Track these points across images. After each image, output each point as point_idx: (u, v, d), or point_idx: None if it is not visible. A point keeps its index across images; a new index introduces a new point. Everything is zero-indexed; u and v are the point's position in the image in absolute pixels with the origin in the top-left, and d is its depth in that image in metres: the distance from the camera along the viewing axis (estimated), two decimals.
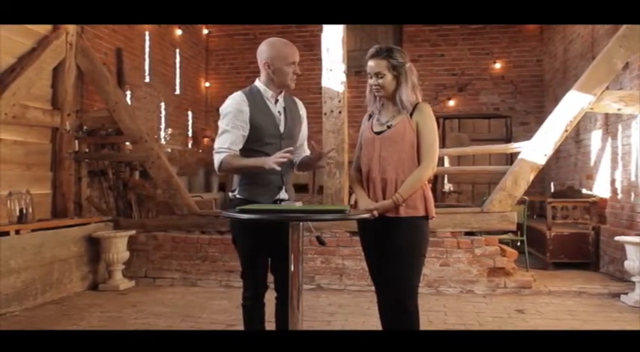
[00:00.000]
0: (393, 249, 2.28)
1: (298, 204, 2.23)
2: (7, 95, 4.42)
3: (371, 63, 2.34)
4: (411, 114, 2.32)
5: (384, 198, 2.30)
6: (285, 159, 2.17)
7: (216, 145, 2.36)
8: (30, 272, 4.17)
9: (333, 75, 4.72)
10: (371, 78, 2.36)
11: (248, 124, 2.34)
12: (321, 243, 2.35)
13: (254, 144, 2.36)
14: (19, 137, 4.76)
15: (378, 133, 2.36)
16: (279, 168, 2.20)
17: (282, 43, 2.41)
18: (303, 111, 2.57)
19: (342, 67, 4.72)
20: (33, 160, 4.93)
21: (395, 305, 2.32)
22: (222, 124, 2.36)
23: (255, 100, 2.38)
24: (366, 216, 2.19)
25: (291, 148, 2.26)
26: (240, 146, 2.35)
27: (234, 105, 2.34)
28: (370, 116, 2.46)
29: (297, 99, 2.57)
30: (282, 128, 2.43)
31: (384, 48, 2.35)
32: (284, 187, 2.45)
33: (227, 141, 2.32)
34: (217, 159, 2.34)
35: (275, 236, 2.31)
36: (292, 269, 2.10)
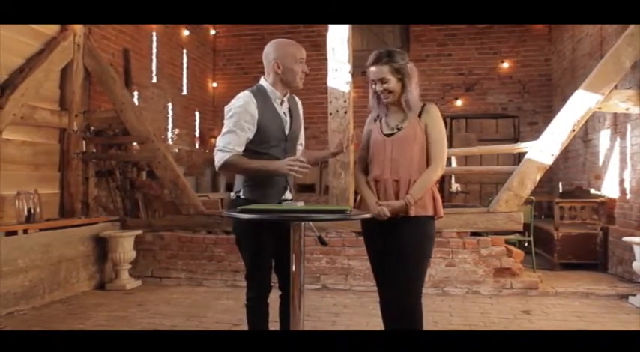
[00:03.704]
0: (399, 249, 2.28)
1: (300, 204, 2.23)
2: (15, 96, 4.46)
3: (373, 69, 2.33)
4: (419, 115, 2.33)
5: (396, 200, 2.29)
6: (306, 170, 2.18)
7: (219, 143, 2.34)
8: (38, 271, 4.20)
9: (339, 75, 4.72)
10: (375, 84, 2.35)
11: (255, 126, 2.33)
12: (323, 243, 2.35)
13: (259, 146, 2.36)
14: (27, 137, 4.80)
15: (388, 135, 2.35)
16: (300, 175, 2.20)
17: (287, 43, 2.43)
18: (301, 110, 2.59)
19: (348, 67, 4.72)
20: (41, 160, 4.98)
21: (398, 306, 2.31)
22: (228, 123, 2.34)
23: (264, 102, 2.37)
24: (367, 216, 2.19)
25: (305, 160, 2.26)
26: (243, 148, 2.34)
27: (243, 106, 2.32)
28: (376, 118, 2.45)
29: (296, 97, 2.58)
30: (287, 130, 2.43)
31: (384, 52, 2.33)
32: (288, 187, 2.45)
33: (232, 141, 2.31)
34: (221, 157, 2.31)
35: (279, 236, 2.31)
36: (294, 269, 2.10)
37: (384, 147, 2.35)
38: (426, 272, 2.36)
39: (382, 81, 2.32)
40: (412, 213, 2.26)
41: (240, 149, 2.33)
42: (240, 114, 2.31)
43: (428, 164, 2.33)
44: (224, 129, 2.35)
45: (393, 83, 2.31)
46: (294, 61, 2.37)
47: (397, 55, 2.33)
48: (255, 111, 2.33)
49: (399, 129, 2.34)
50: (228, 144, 2.31)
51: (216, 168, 2.38)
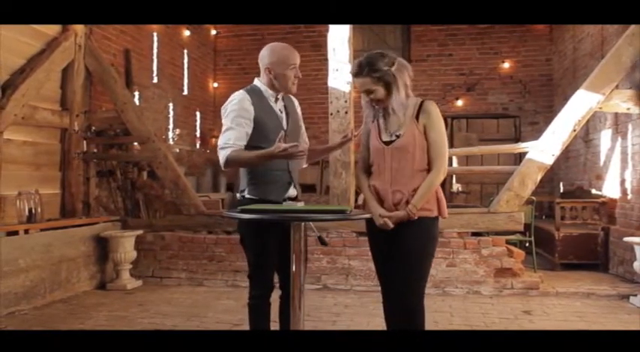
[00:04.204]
0: (402, 250, 2.26)
1: (300, 204, 2.23)
2: (16, 96, 4.47)
3: (356, 80, 2.28)
4: (417, 116, 2.26)
5: (396, 210, 2.26)
6: (300, 154, 2.21)
7: (220, 142, 2.36)
8: (39, 271, 4.21)
9: (340, 75, 4.72)
10: (363, 93, 2.31)
11: (252, 122, 2.36)
12: (323, 243, 2.34)
13: (259, 142, 2.36)
14: (28, 137, 4.81)
15: (387, 143, 2.29)
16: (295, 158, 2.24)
17: (282, 47, 2.45)
18: (299, 109, 2.62)
19: (349, 67, 4.71)
20: (42, 160, 4.98)
21: (402, 306, 2.30)
22: (226, 122, 2.37)
23: (259, 99, 2.41)
24: (367, 216, 2.18)
25: (297, 144, 2.27)
26: (245, 142, 2.35)
27: (238, 104, 2.36)
28: (373, 119, 2.39)
29: (293, 97, 2.60)
30: (284, 125, 2.46)
31: (363, 63, 2.24)
32: (293, 183, 2.46)
33: (231, 137, 2.33)
34: (223, 154, 2.33)
35: (283, 235, 2.32)
36: (294, 269, 2.10)
37: (383, 155, 2.30)
38: (428, 272, 2.34)
39: (367, 92, 2.27)
40: (416, 216, 2.24)
41: (241, 143, 2.34)
42: (236, 111, 2.35)
43: (429, 167, 2.27)
44: (223, 129, 2.38)
45: (380, 92, 2.25)
46: (286, 67, 2.39)
47: (378, 61, 2.22)
48: (251, 107, 2.36)
49: (397, 137, 2.27)
50: (228, 141, 2.33)
51: (222, 167, 2.38)
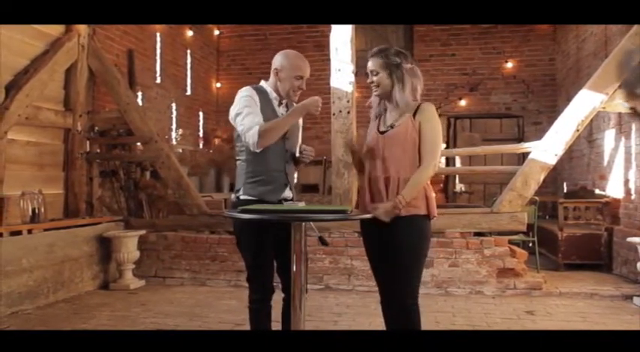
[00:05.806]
0: (393, 248, 2.27)
1: (301, 204, 2.23)
2: (20, 96, 4.48)
3: (369, 62, 2.38)
4: (414, 115, 2.32)
5: (387, 196, 2.28)
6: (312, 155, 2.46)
7: (245, 125, 2.35)
8: (42, 271, 4.22)
9: (342, 75, 4.72)
10: (369, 77, 2.39)
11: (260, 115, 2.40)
12: (324, 243, 2.35)
13: None
14: (32, 138, 4.82)
15: (382, 133, 2.37)
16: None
17: (296, 56, 2.49)
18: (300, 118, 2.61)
19: (351, 67, 4.71)
20: (45, 161, 5.00)
21: (395, 305, 2.32)
22: (241, 110, 2.39)
23: (263, 98, 2.45)
24: (368, 216, 2.18)
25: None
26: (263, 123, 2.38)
27: (249, 96, 2.41)
28: (377, 116, 2.46)
29: (295, 104, 2.60)
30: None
31: (383, 48, 2.37)
32: (288, 185, 2.48)
33: (254, 119, 2.34)
34: (253, 132, 2.31)
35: (280, 236, 2.32)
36: (295, 269, 2.10)
37: (377, 144, 2.36)
38: (421, 271, 2.35)
39: (372, 73, 2.35)
40: (403, 211, 2.24)
41: (262, 122, 2.36)
42: (248, 101, 2.40)
43: (420, 163, 2.30)
44: (241, 117, 2.38)
45: (382, 77, 2.33)
46: (293, 74, 2.44)
47: (394, 52, 2.34)
48: (258, 102, 2.41)
49: (392, 127, 2.34)
50: (252, 121, 2.34)
51: (256, 147, 2.34)
